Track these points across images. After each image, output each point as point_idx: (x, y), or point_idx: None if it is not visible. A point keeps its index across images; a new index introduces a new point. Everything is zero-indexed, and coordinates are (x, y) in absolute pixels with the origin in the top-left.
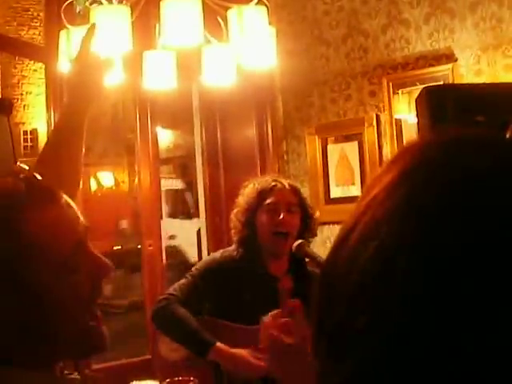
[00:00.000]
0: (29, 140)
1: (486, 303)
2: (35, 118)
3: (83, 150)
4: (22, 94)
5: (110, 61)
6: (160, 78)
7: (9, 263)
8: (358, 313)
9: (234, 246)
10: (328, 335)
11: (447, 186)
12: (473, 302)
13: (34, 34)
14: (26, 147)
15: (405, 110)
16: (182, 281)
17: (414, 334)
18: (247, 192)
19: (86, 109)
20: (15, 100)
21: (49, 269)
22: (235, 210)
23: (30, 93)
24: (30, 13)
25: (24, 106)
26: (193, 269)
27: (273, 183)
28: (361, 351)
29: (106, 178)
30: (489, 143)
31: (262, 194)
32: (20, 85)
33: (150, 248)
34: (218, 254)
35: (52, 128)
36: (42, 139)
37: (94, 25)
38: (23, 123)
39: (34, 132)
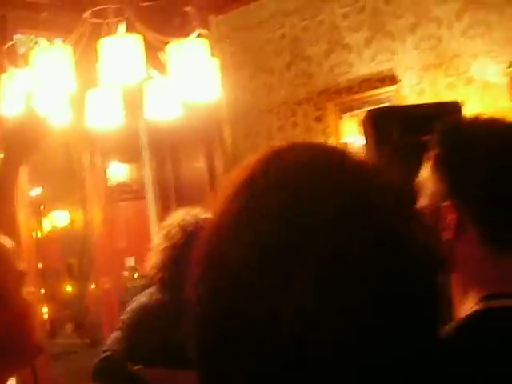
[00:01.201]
0: None
1: None
2: None
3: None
4: None
5: (47, 120)
6: (106, 115)
7: None
8: None
9: (157, 287)
10: None
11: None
12: None
13: None
14: None
15: (352, 133)
16: (116, 334)
17: None
18: (172, 227)
19: (20, 160)
20: None
21: None
22: (157, 247)
23: None
24: None
25: None
26: (124, 318)
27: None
28: None
29: (60, 218)
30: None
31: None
32: None
33: (106, 285)
34: (145, 299)
35: None
36: None
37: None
38: None
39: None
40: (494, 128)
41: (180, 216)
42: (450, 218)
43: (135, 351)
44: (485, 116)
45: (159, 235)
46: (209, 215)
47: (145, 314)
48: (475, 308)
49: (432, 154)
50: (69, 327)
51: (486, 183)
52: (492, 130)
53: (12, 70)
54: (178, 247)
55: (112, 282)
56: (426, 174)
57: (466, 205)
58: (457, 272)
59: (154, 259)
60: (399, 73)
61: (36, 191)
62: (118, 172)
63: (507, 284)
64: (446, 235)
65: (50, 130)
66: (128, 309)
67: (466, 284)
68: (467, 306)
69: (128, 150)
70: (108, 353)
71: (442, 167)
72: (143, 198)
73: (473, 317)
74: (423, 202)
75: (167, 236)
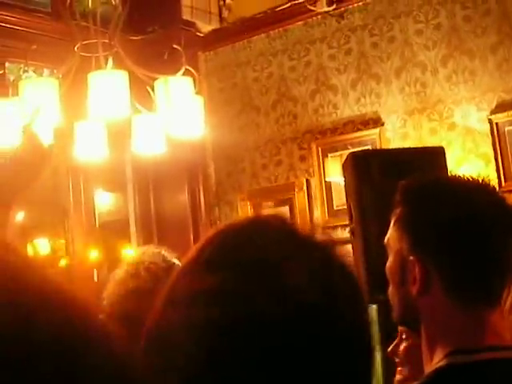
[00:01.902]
0: None
1: None
2: None
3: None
4: None
5: (49, 150)
6: (91, 147)
7: None
8: None
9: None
10: None
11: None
12: None
13: None
14: None
15: (335, 173)
16: None
17: None
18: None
19: (10, 201)
20: None
21: None
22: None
23: None
24: None
25: None
26: None
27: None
28: None
29: (42, 246)
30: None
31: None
32: None
33: None
34: None
35: None
36: None
37: (37, 109)
38: None
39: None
40: (455, 187)
41: (149, 256)
42: (415, 273)
43: None
44: (450, 175)
45: (123, 270)
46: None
47: None
48: (439, 364)
49: (395, 212)
50: None
51: (447, 239)
52: (453, 189)
53: (1, 100)
54: (143, 291)
55: None
56: (391, 232)
57: (428, 260)
58: (424, 327)
59: (111, 290)
60: (383, 116)
61: (19, 216)
62: (103, 200)
63: (472, 339)
64: (412, 290)
65: (50, 158)
66: None
67: (433, 339)
68: (434, 361)
69: (113, 181)
70: None
71: (405, 225)
72: (127, 227)
73: (435, 374)
74: (390, 259)
75: (134, 275)
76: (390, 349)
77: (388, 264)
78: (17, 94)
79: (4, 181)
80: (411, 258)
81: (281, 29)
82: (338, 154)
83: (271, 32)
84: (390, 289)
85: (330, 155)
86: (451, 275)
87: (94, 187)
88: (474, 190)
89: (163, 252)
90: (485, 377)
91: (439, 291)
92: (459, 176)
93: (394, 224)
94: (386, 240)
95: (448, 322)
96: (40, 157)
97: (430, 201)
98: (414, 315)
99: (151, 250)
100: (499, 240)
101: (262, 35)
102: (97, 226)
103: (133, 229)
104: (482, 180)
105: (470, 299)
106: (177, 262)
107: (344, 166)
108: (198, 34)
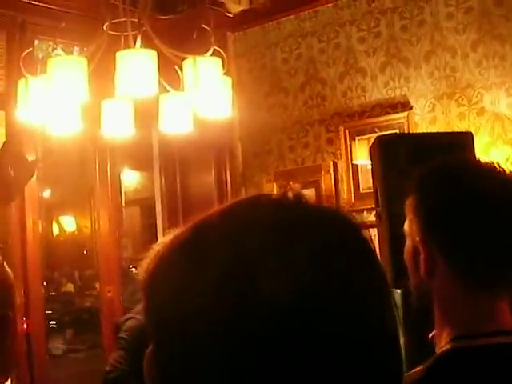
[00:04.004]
0: None
1: None
2: None
3: None
4: None
5: (34, 164)
6: (118, 126)
7: None
8: None
9: None
10: None
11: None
12: None
13: None
14: None
15: (363, 157)
16: (118, 353)
17: None
18: None
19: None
20: None
21: None
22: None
23: None
24: None
25: None
26: (123, 336)
27: None
28: None
29: (68, 223)
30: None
31: None
32: None
33: (109, 294)
34: (139, 315)
35: None
36: None
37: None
38: None
39: None
40: (466, 170)
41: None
42: (422, 256)
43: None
44: (463, 158)
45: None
46: None
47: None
48: (443, 349)
49: (410, 199)
50: (69, 332)
51: (453, 221)
52: (462, 172)
53: (29, 77)
54: None
55: (115, 290)
56: (407, 218)
57: (434, 242)
58: (435, 310)
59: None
60: (412, 100)
61: (46, 193)
62: (129, 179)
63: (477, 323)
64: (421, 272)
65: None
66: (125, 327)
67: (442, 323)
68: (440, 345)
69: (140, 160)
70: (114, 374)
71: (415, 209)
72: (152, 206)
73: (438, 359)
74: (406, 244)
75: None
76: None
77: (405, 249)
78: (45, 72)
79: None
80: (417, 239)
81: (310, 10)
82: (365, 137)
83: (301, 13)
84: (409, 275)
85: (357, 138)
86: (456, 258)
87: (121, 165)
88: (485, 172)
89: None
90: (488, 361)
91: (445, 274)
92: (472, 159)
93: (408, 210)
94: (404, 226)
95: (453, 305)
96: (21, 170)
97: (437, 185)
98: (427, 299)
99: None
100: (508, 223)
101: (292, 16)
102: (123, 204)
103: (158, 208)
104: (494, 163)
105: (475, 283)
106: None
107: (371, 150)
108: (228, 14)
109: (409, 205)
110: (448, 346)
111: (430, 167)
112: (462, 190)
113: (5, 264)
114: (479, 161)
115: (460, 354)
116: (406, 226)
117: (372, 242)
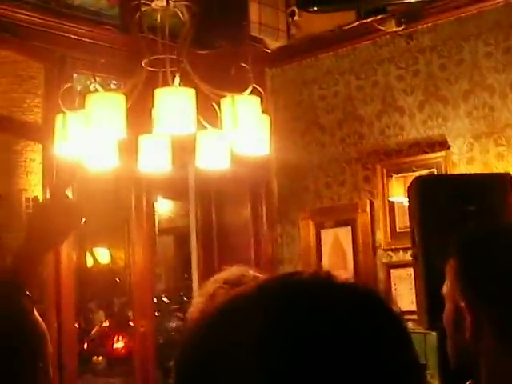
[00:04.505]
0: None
1: None
2: (37, 184)
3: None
4: (25, 161)
5: (81, 209)
6: (155, 161)
7: None
8: None
9: None
10: None
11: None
12: None
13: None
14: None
15: (399, 195)
16: None
17: None
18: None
19: (42, 254)
20: (19, 166)
21: None
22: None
23: (34, 160)
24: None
25: (27, 172)
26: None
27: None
28: None
29: (102, 255)
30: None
31: None
32: (24, 151)
33: (142, 329)
34: None
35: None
36: None
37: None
38: (26, 190)
39: (35, 199)
40: (509, 237)
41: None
42: (467, 319)
43: None
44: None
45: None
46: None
47: None
48: None
49: (450, 263)
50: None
51: (498, 288)
52: (506, 239)
53: (68, 111)
54: None
55: (149, 325)
56: (446, 282)
57: (479, 307)
58: (482, 374)
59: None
60: (449, 139)
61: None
62: (164, 207)
63: None
64: (466, 336)
65: (81, 218)
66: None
67: None
68: None
69: (175, 190)
70: None
71: (457, 274)
72: (187, 235)
73: None
74: (446, 307)
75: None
76: None
77: (444, 313)
78: (83, 106)
79: (35, 231)
80: (462, 304)
81: (349, 47)
82: (402, 175)
83: (339, 50)
84: (447, 336)
85: (394, 176)
86: (501, 323)
87: (155, 195)
88: None
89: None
90: None
91: (490, 338)
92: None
93: (448, 274)
94: (443, 290)
95: (501, 371)
96: (67, 212)
97: (482, 251)
98: (469, 362)
99: (238, 269)
100: None
101: (330, 53)
102: (157, 232)
103: (193, 243)
104: None
105: None
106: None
107: (409, 190)
108: (266, 50)
109: (450, 268)
110: None
111: (470, 232)
112: (508, 256)
113: (35, 312)
114: None
115: None
116: (446, 289)
117: (407, 327)
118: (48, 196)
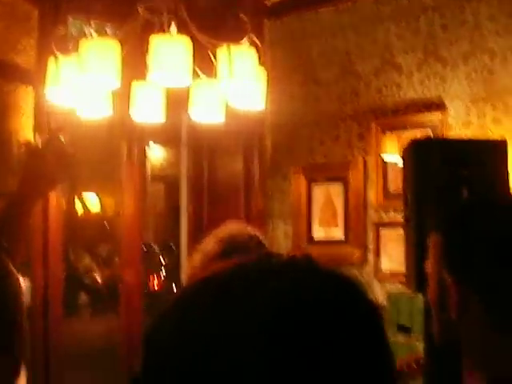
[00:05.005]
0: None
1: None
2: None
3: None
4: (17, 104)
5: (73, 157)
6: (148, 110)
7: None
8: None
9: None
10: None
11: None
12: None
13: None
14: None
15: (392, 151)
16: None
17: None
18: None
19: (35, 199)
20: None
21: None
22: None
23: (26, 103)
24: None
25: (19, 114)
26: None
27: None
28: None
29: (92, 202)
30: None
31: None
32: (16, 93)
33: (128, 278)
34: None
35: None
36: None
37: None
38: (17, 132)
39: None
40: (494, 208)
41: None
42: (453, 296)
43: None
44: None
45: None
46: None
47: None
48: None
49: (435, 239)
50: (86, 312)
51: (485, 261)
52: (491, 211)
53: (61, 56)
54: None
55: (134, 274)
56: (430, 259)
57: (466, 282)
58: (464, 352)
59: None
60: (447, 101)
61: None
62: (156, 154)
63: (509, 369)
64: (451, 315)
65: (74, 163)
66: None
67: (473, 365)
68: None
69: (167, 138)
70: None
71: (447, 249)
72: (177, 183)
73: None
74: (430, 284)
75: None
76: None
77: (428, 293)
78: (77, 51)
79: (29, 174)
80: (449, 280)
81: (349, 2)
82: (396, 133)
83: (339, 5)
84: (432, 315)
85: (388, 133)
86: (490, 298)
87: (148, 141)
88: None
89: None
90: None
91: (476, 319)
92: (498, 197)
93: (432, 251)
94: (426, 268)
95: (484, 351)
96: (63, 160)
97: (472, 225)
98: (454, 339)
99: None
100: None
101: (330, 8)
102: (148, 178)
103: (183, 189)
104: None
105: (507, 328)
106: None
107: (404, 152)
108: (265, 1)
109: (434, 244)
110: None
111: (457, 207)
112: (493, 228)
113: (11, 267)
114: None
115: None
116: (429, 266)
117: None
118: (40, 141)
